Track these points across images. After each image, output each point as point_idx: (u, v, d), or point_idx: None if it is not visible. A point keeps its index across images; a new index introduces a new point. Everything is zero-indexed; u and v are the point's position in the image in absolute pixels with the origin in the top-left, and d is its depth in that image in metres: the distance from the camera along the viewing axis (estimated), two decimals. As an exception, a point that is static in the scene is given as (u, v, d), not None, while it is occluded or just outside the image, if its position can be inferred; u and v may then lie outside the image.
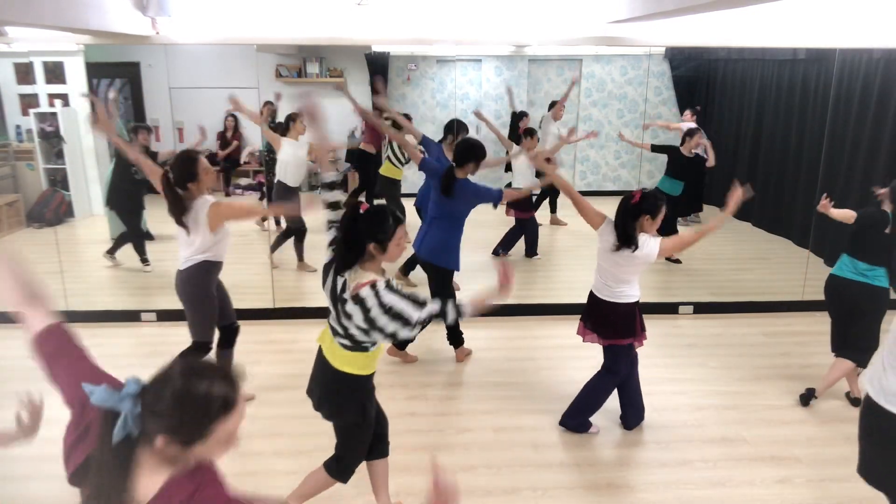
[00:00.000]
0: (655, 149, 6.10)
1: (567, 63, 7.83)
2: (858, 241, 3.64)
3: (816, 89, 6.21)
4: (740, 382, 4.09)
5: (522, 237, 6.36)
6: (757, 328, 4.95)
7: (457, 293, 5.07)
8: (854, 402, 3.79)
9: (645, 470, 3.23)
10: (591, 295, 3.39)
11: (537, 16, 4.67)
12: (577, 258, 6.46)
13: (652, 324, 5.05)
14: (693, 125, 6.27)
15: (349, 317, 2.27)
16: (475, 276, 6.00)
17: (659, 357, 4.47)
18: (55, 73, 6.57)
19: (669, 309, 5.28)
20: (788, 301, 5.19)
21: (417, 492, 3.03)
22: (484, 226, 6.31)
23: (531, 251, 6.36)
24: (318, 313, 4.83)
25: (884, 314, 3.67)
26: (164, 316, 4.99)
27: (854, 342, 3.68)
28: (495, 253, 6.38)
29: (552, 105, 6.84)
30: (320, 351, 2.48)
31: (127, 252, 5.96)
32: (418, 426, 3.59)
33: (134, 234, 5.96)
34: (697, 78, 7.68)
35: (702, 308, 5.26)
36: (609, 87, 7.85)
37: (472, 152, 3.92)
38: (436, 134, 8.14)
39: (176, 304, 3.47)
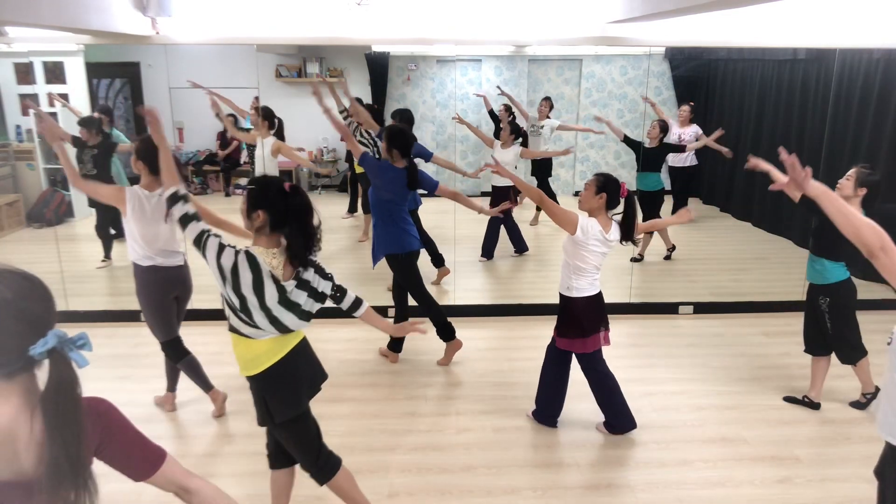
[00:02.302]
0: (627, 140, 6.09)
1: (567, 63, 7.83)
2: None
3: (816, 89, 6.21)
4: (740, 382, 4.09)
5: (510, 236, 6.36)
6: (757, 328, 4.95)
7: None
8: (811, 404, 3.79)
9: (645, 470, 3.23)
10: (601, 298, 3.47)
11: (537, 16, 4.67)
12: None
13: (652, 324, 5.10)
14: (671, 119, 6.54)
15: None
16: (473, 276, 6.01)
17: (659, 357, 4.47)
18: (55, 73, 6.58)
19: (669, 309, 5.28)
20: (788, 301, 5.19)
21: (417, 492, 3.03)
22: (478, 223, 6.30)
23: (488, 253, 6.34)
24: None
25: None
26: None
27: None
28: (489, 256, 6.38)
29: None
30: (305, 341, 2.54)
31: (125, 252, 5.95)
32: (418, 426, 3.59)
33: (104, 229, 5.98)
34: (697, 78, 7.69)
35: (702, 308, 5.27)
36: (609, 87, 7.85)
37: (397, 139, 3.92)
38: (437, 133, 8.19)
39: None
